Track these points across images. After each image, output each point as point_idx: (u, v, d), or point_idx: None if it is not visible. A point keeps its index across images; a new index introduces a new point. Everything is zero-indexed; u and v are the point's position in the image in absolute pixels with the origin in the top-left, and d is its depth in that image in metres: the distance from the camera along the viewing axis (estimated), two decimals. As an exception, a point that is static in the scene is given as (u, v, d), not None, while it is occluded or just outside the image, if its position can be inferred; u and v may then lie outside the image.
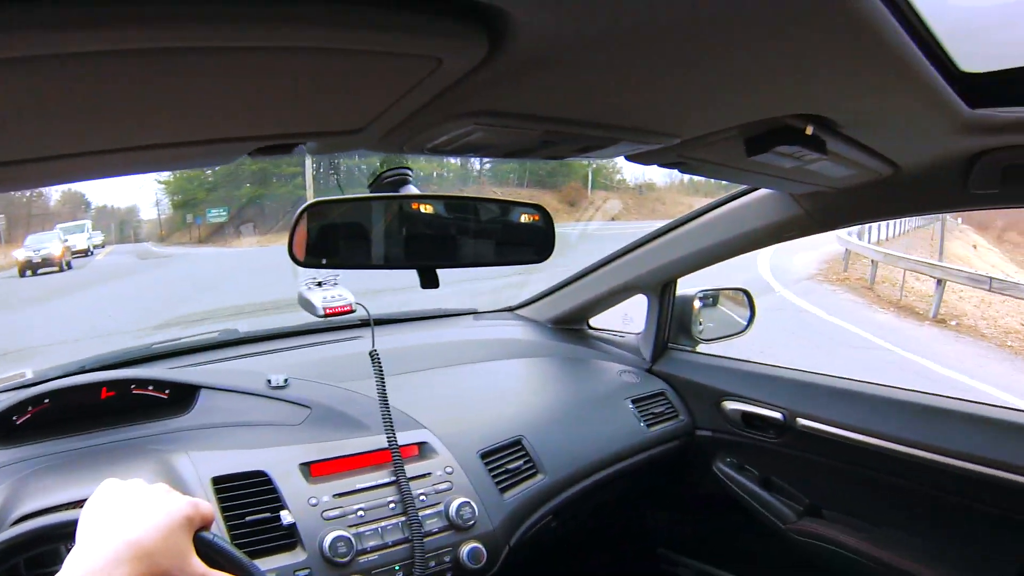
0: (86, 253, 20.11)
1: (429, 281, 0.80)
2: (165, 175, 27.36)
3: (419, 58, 0.38)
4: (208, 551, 0.62)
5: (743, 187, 1.26)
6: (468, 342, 1.58)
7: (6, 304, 11.11)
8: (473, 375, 1.45)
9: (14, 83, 0.33)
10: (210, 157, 0.58)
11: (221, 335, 1.50)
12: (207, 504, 0.59)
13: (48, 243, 16.35)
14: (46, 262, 15.52)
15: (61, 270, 15.51)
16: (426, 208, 0.86)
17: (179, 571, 0.52)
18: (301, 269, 1.04)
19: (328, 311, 0.96)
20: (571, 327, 1.73)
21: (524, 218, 0.95)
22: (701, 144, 0.72)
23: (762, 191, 1.22)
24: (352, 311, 0.99)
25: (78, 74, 0.33)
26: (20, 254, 16.07)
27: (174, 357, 1.39)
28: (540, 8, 0.35)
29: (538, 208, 0.94)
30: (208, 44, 0.32)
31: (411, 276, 0.86)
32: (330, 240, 0.76)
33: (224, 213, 24.32)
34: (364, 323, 1.49)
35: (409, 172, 0.87)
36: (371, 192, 0.83)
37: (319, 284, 1.00)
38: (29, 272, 15.34)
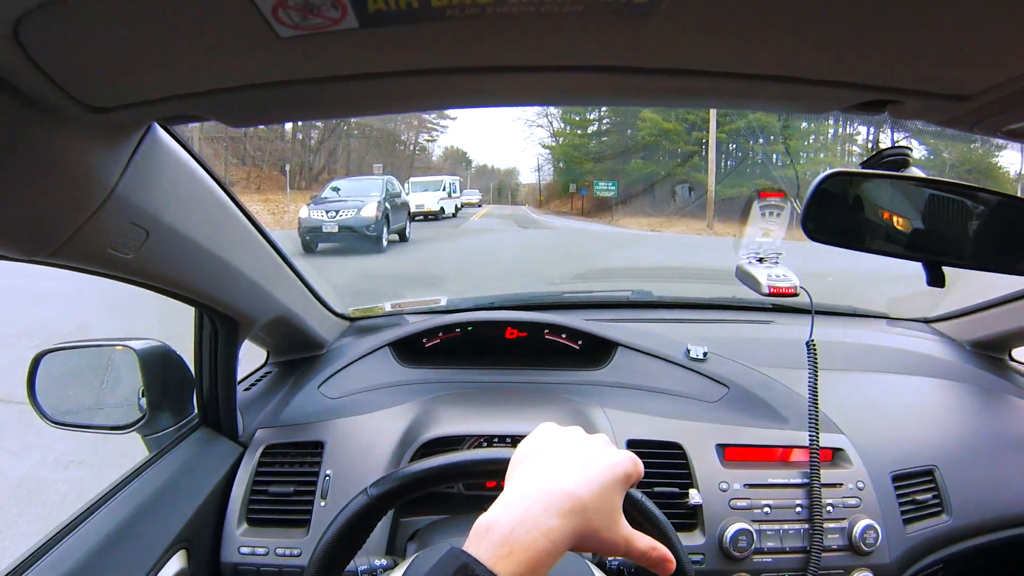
0: (437, 216, 15.95)
1: (936, 279, 0.70)
2: (550, 140, 28.47)
3: None
4: (634, 510, 0.61)
5: None
6: (881, 348, 1.42)
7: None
8: (887, 386, 1.30)
9: None
10: (790, 101, 0.53)
11: (634, 295, 1.58)
12: (640, 462, 0.54)
13: (355, 200, 9.74)
14: (346, 230, 9.32)
15: (378, 246, 9.36)
16: (931, 196, 0.74)
17: (607, 531, 0.48)
18: (741, 242, 1.05)
19: (773, 290, 0.94)
20: (992, 354, 1.45)
21: None
22: None
23: None
24: (796, 294, 0.95)
25: None
26: (306, 215, 9.64)
27: (586, 309, 1.49)
28: None
29: None
30: None
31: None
32: (843, 215, 0.72)
33: (613, 188, 23.17)
34: (777, 308, 1.43)
35: (911, 151, 0.77)
36: (867, 169, 0.75)
37: (760, 260, 0.99)
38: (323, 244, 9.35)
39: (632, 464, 0.53)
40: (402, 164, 29.22)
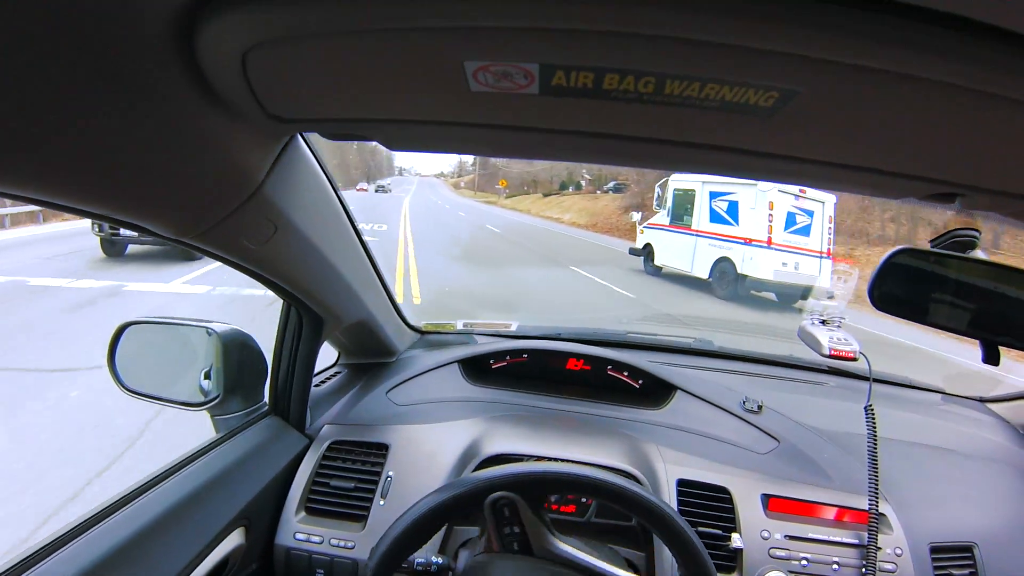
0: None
1: (991, 357, 0.78)
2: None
3: None
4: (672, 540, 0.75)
5: None
6: (933, 422, 1.46)
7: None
8: (934, 459, 1.34)
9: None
10: (874, 188, 0.61)
11: (696, 343, 1.66)
12: None
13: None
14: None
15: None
16: (993, 278, 0.84)
17: None
18: (808, 304, 1.13)
19: (833, 352, 1.02)
20: None
21: None
22: None
23: None
24: (855, 359, 1.03)
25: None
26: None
27: (647, 351, 1.57)
28: None
29: None
30: (933, 77, 0.38)
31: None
32: (908, 289, 0.81)
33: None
34: (833, 371, 1.50)
35: (978, 234, 0.86)
36: (933, 248, 0.84)
37: (823, 322, 1.07)
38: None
39: None
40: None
